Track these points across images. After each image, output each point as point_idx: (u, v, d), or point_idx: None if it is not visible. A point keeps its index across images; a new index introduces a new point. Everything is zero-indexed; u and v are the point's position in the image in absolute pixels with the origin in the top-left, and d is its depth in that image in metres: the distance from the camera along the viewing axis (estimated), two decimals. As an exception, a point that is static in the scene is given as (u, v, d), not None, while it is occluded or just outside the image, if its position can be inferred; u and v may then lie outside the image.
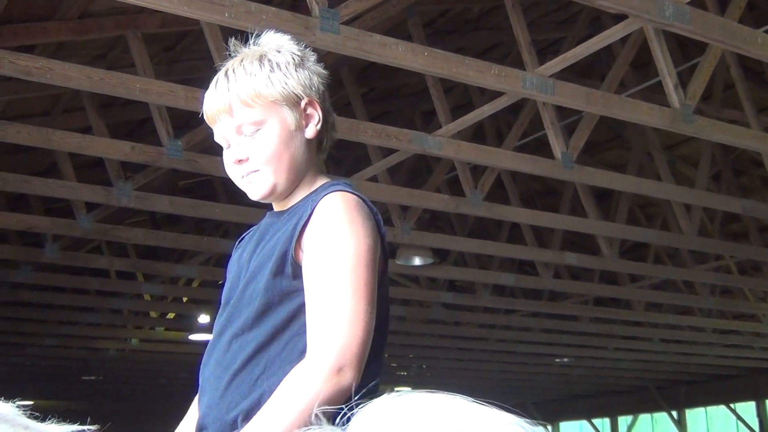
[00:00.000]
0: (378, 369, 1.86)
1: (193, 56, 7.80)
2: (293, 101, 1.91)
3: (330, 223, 1.79)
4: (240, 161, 1.90)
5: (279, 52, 1.93)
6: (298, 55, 1.94)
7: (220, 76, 1.93)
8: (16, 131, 6.58)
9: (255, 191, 1.93)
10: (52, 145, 6.82)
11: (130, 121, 8.75)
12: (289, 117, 1.90)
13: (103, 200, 8.02)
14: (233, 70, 1.91)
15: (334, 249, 1.76)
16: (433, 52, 5.51)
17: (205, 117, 1.95)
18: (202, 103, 1.96)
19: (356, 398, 1.29)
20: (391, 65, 5.51)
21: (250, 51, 1.95)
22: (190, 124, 6.98)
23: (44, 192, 8.12)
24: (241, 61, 1.92)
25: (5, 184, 7.67)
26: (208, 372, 1.91)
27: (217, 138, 1.95)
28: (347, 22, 5.05)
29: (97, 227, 8.96)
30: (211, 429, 1.83)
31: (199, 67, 7.57)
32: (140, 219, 11.89)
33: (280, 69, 1.90)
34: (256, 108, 1.87)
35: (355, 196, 1.85)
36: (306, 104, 1.93)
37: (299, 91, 1.91)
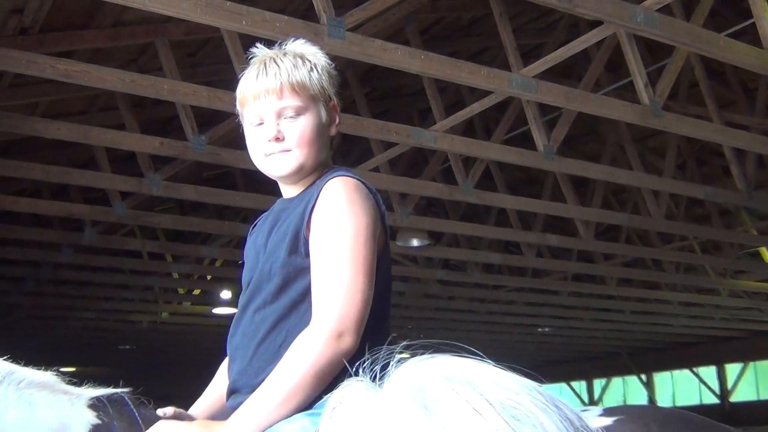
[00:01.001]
0: (386, 331, 1.85)
1: (214, 60, 7.78)
2: (327, 100, 1.92)
3: (332, 205, 1.79)
4: (278, 139, 1.87)
5: (315, 55, 1.94)
6: (329, 63, 1.96)
7: (266, 61, 1.89)
8: (57, 128, 6.58)
9: (282, 168, 1.90)
10: (89, 140, 6.82)
11: (159, 118, 8.74)
12: (323, 113, 1.91)
13: (136, 189, 8.02)
14: (281, 59, 1.89)
15: (335, 228, 1.76)
16: (428, 56, 5.49)
17: (239, 96, 1.92)
18: (240, 85, 1.92)
19: (370, 358, 1.28)
20: (392, 68, 5.50)
21: (287, 50, 1.93)
22: (212, 121, 6.96)
23: (83, 182, 8.13)
24: (285, 54, 1.90)
25: (48, 176, 7.68)
26: (235, 342, 1.91)
27: (250, 116, 1.90)
28: (352, 29, 5.03)
29: (130, 213, 8.97)
30: (242, 392, 1.82)
31: (220, 70, 7.54)
32: (169, 206, 11.88)
33: (318, 69, 1.91)
34: (301, 96, 1.87)
35: (354, 180, 1.85)
36: (333, 105, 1.95)
37: (332, 92, 1.93)
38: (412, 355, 0.85)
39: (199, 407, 2.02)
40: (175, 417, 1.84)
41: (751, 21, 5.79)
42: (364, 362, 1.25)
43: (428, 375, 0.76)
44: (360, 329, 1.71)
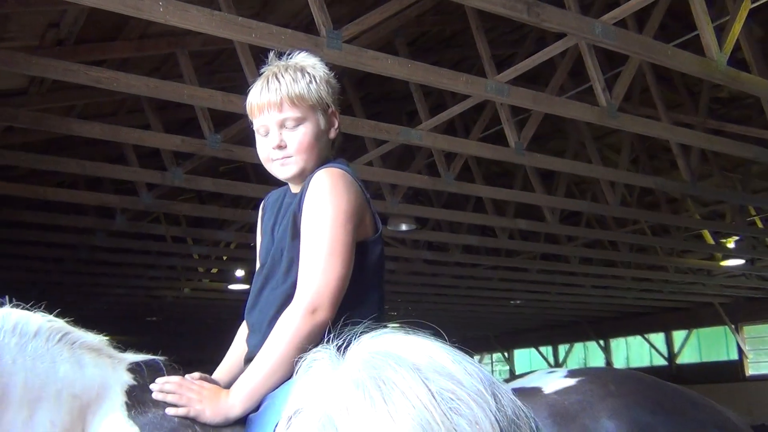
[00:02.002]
0: (381, 303, 1.88)
1: (228, 69, 7.74)
2: (325, 108, 1.90)
3: (315, 193, 1.78)
4: (280, 147, 1.87)
5: (314, 67, 1.91)
6: (327, 73, 1.93)
7: (269, 77, 1.88)
8: (91, 128, 6.55)
9: (286, 172, 1.90)
10: (119, 138, 6.79)
11: (180, 119, 8.70)
12: (321, 120, 1.89)
13: (160, 181, 8.00)
14: (282, 74, 1.87)
15: (316, 214, 1.76)
16: (414, 65, 5.48)
17: (248, 108, 1.91)
18: (248, 98, 1.91)
19: (360, 332, 1.28)
20: (382, 75, 5.48)
21: (289, 63, 1.91)
22: (226, 121, 6.93)
23: (114, 175, 8.10)
24: (286, 68, 1.88)
25: (84, 170, 7.65)
26: (253, 318, 1.92)
27: (258, 126, 1.91)
28: (348, 41, 5.01)
29: (155, 202, 8.94)
30: None
31: (233, 77, 7.51)
32: (189, 196, 11.84)
33: (317, 80, 1.88)
34: (300, 108, 1.85)
35: (338, 169, 1.83)
36: (332, 113, 1.92)
37: (330, 101, 1.91)
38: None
39: (222, 371, 2.02)
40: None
41: (695, 33, 5.79)
42: (342, 335, 1.25)
43: (377, 358, 0.73)
44: (334, 304, 1.70)
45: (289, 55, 1.96)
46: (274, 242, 1.90)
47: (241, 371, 1.94)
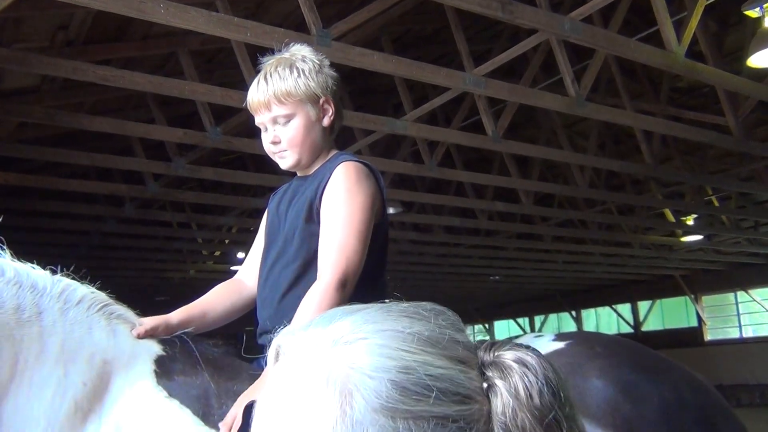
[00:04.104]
0: (383, 279, 1.94)
1: (226, 65, 7.69)
2: (314, 99, 1.87)
3: (338, 185, 1.80)
4: (275, 143, 1.88)
5: (304, 60, 1.88)
6: (317, 63, 1.89)
7: (260, 78, 1.87)
8: (100, 122, 6.51)
9: (284, 164, 1.92)
10: (126, 132, 6.75)
11: (182, 113, 8.65)
12: (311, 112, 1.87)
13: (165, 171, 7.96)
14: (270, 75, 1.85)
15: (339, 204, 1.78)
16: (399, 60, 5.46)
17: (248, 107, 1.91)
18: (246, 97, 1.90)
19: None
20: (369, 69, 5.47)
21: (282, 58, 1.89)
22: (225, 115, 6.90)
23: (122, 166, 8.05)
24: (276, 67, 1.86)
25: (94, 161, 7.60)
26: (264, 294, 1.91)
27: (257, 123, 1.91)
28: (337, 39, 4.99)
29: (161, 191, 8.91)
30: (272, 332, 1.82)
31: (231, 73, 7.46)
32: (192, 185, 11.78)
33: (305, 74, 1.85)
34: (287, 104, 1.84)
35: (358, 164, 1.85)
36: (323, 102, 1.89)
37: (318, 91, 1.87)
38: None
39: (181, 311, 1.93)
40: (152, 329, 1.79)
41: (656, 28, 5.80)
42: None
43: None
44: (356, 280, 1.74)
45: (286, 45, 1.94)
46: (286, 223, 1.91)
47: (201, 322, 1.91)
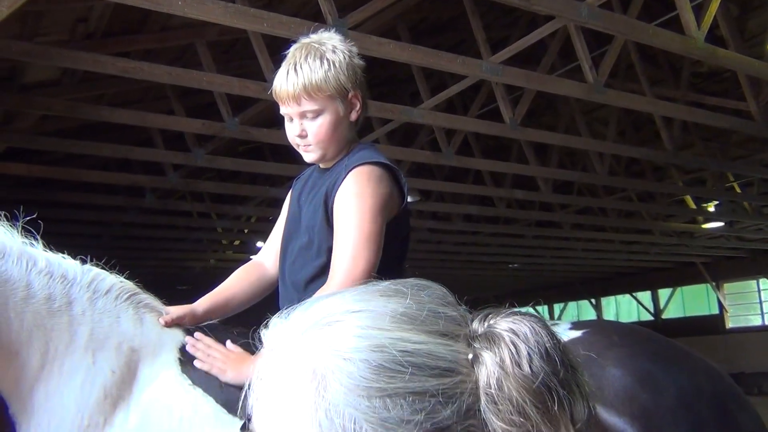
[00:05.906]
0: (402, 269, 1.93)
1: (243, 56, 7.71)
2: (344, 94, 1.83)
3: (349, 192, 1.78)
4: (301, 136, 1.84)
5: (335, 52, 1.82)
6: (347, 54, 1.84)
7: (290, 67, 1.80)
8: (120, 114, 6.57)
9: (308, 158, 1.90)
10: (146, 123, 6.81)
11: (201, 104, 8.70)
12: (340, 107, 1.84)
13: (185, 162, 8.03)
14: (300, 66, 1.79)
15: (349, 211, 1.77)
16: (415, 48, 5.45)
17: (274, 95, 1.84)
18: (273, 85, 1.84)
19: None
20: (386, 59, 5.46)
21: (312, 46, 1.81)
22: (243, 105, 6.92)
23: (143, 157, 8.13)
24: (306, 57, 1.79)
25: (115, 152, 7.68)
26: (293, 277, 1.90)
27: (283, 113, 1.86)
28: (353, 28, 4.99)
29: (181, 181, 8.99)
30: None
31: (248, 64, 7.48)
32: (211, 174, 11.86)
33: (336, 67, 1.80)
34: (317, 100, 1.80)
35: (371, 167, 1.81)
36: (352, 96, 1.85)
37: (348, 86, 1.83)
38: None
39: (206, 300, 1.99)
40: (179, 317, 1.83)
41: (676, 12, 5.72)
42: None
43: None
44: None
45: (317, 31, 1.88)
46: (305, 216, 1.90)
47: (220, 307, 1.96)
